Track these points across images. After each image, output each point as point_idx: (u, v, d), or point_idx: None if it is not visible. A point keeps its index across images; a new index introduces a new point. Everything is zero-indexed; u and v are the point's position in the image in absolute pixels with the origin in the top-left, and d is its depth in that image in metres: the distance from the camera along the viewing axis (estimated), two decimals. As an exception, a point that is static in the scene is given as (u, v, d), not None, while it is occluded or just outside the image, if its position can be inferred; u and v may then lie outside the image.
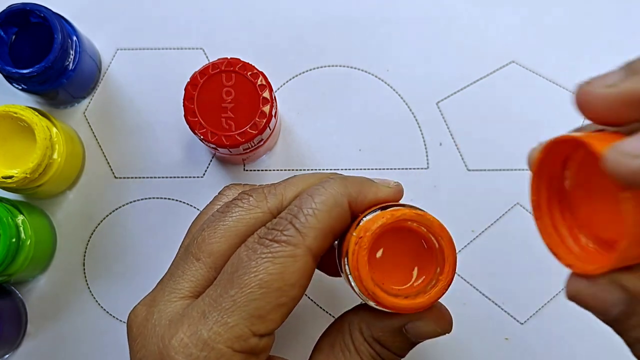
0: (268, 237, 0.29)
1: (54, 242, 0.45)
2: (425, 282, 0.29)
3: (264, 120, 0.39)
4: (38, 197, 0.44)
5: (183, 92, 0.39)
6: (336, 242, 0.32)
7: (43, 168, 0.39)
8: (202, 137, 0.39)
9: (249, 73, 0.39)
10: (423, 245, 0.29)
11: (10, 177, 0.38)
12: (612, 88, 0.22)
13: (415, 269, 0.29)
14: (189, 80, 0.39)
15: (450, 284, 0.28)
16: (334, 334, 0.31)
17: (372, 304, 0.28)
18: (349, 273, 0.28)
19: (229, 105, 0.39)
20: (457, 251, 0.28)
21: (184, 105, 0.39)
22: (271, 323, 0.28)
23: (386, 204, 0.30)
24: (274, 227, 0.29)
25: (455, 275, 0.44)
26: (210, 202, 0.36)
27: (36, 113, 0.39)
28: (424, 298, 0.28)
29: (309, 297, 0.45)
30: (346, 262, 0.28)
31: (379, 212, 0.29)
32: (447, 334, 0.31)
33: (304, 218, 0.29)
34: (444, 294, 0.28)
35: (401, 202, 0.32)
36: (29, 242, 0.40)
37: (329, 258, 0.34)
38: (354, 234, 0.28)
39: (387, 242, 0.29)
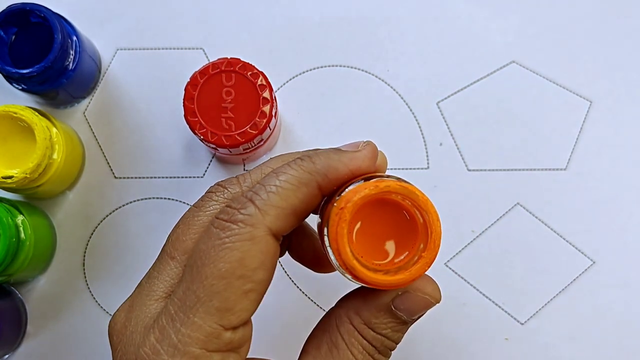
0: (224, 217, 0.27)
1: (54, 242, 0.45)
2: (407, 258, 0.28)
3: (264, 120, 0.39)
4: (38, 197, 0.44)
5: (183, 92, 0.39)
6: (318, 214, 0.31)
7: (43, 168, 0.39)
8: (202, 137, 0.39)
9: (249, 73, 0.39)
10: (407, 219, 0.28)
11: (10, 177, 0.38)
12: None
13: (398, 243, 0.28)
14: (189, 80, 0.39)
15: (433, 260, 0.27)
16: (319, 334, 0.30)
17: (349, 277, 0.27)
18: (328, 245, 0.27)
19: (229, 105, 0.39)
20: (442, 228, 0.27)
21: (184, 105, 0.39)
22: (242, 312, 0.26)
23: (371, 174, 0.29)
24: (231, 205, 0.27)
25: (456, 275, 0.44)
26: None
27: (36, 113, 0.39)
28: (404, 274, 0.26)
29: (307, 296, 0.45)
30: (326, 233, 0.27)
31: (362, 182, 0.27)
32: (438, 304, 0.30)
33: (265, 195, 0.27)
34: (425, 271, 0.27)
35: (388, 173, 0.31)
36: (28, 242, 0.40)
37: (310, 251, 0.34)
38: (335, 204, 0.27)
39: (370, 215, 0.28)
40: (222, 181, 0.31)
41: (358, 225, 0.28)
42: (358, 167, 0.29)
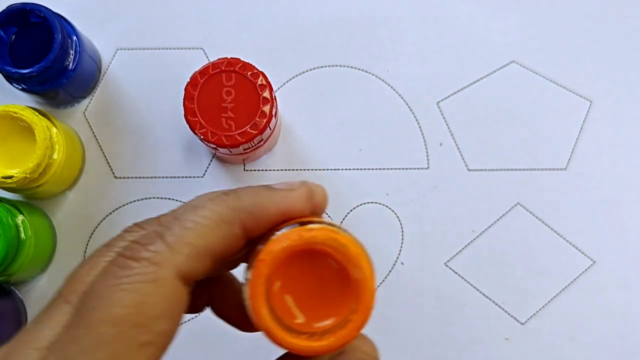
0: (127, 253, 0.22)
1: (54, 242, 0.45)
2: (337, 320, 0.23)
3: (264, 120, 0.39)
4: (38, 197, 0.44)
5: (183, 92, 0.39)
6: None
7: (43, 168, 0.39)
8: (202, 137, 0.39)
9: (249, 73, 0.39)
10: (339, 273, 0.24)
11: (10, 177, 0.38)
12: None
13: (328, 301, 0.24)
14: (189, 80, 0.39)
15: (364, 324, 0.23)
16: None
17: (267, 337, 0.23)
18: (246, 299, 0.23)
19: (229, 105, 0.39)
20: (376, 285, 0.24)
21: (184, 105, 0.39)
22: None
23: (306, 219, 0.25)
24: (138, 240, 0.23)
25: (456, 275, 0.44)
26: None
27: (36, 113, 0.39)
28: (329, 340, 0.23)
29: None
30: (246, 284, 0.23)
31: (291, 228, 0.24)
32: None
33: (178, 230, 0.23)
34: (355, 336, 0.23)
35: (328, 220, 0.27)
36: (29, 242, 0.40)
37: (234, 307, 0.29)
38: (259, 255, 0.23)
39: (297, 267, 0.24)
40: (140, 222, 0.26)
41: (279, 283, 0.24)
42: (290, 208, 0.25)
